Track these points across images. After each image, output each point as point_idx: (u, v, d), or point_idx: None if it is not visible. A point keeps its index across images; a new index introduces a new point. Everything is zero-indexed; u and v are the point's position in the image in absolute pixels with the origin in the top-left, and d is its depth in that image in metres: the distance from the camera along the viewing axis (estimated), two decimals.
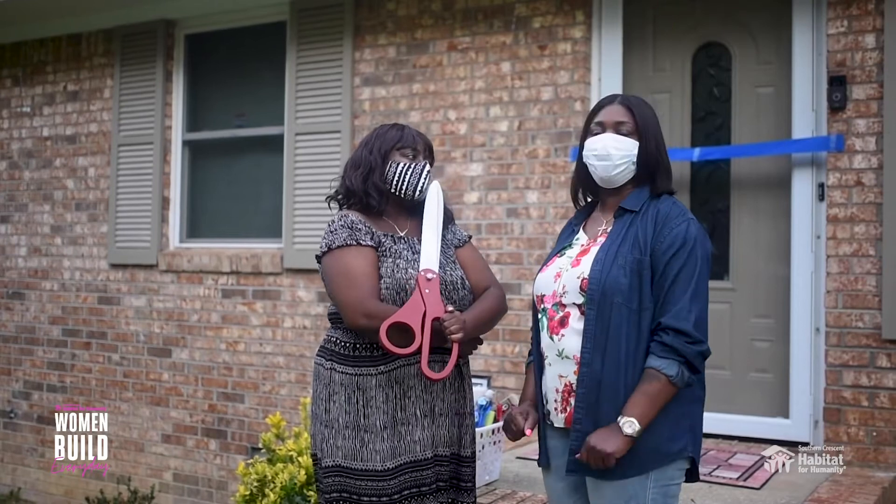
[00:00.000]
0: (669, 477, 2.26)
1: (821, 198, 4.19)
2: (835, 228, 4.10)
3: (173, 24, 6.10)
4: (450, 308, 2.42)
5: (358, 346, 2.46)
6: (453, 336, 2.37)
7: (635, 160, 2.35)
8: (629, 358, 2.21)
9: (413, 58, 5.18)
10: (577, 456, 2.22)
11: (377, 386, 2.43)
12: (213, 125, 6.10)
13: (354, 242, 2.44)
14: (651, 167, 2.36)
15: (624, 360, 2.21)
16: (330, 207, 2.69)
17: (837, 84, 4.10)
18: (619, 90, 4.66)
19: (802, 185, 4.25)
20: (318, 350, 2.57)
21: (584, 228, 2.46)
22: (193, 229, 6.14)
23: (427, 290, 2.40)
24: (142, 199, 6.12)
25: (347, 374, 2.45)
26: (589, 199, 2.53)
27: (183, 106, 6.12)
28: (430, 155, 2.65)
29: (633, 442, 2.16)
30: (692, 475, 2.34)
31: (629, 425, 2.15)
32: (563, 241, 2.48)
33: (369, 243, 2.46)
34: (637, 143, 2.34)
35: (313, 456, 2.55)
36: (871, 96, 4.04)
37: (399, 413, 2.44)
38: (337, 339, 2.51)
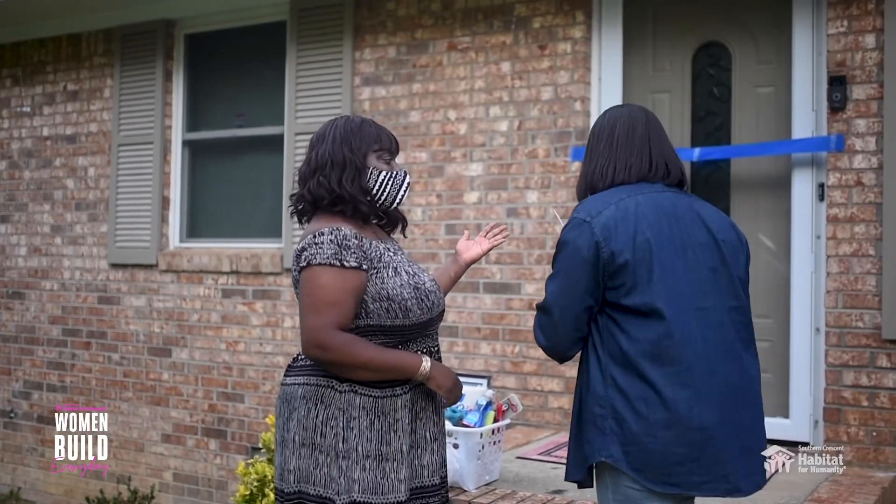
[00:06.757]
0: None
1: (821, 198, 4.19)
2: (835, 228, 4.10)
3: (173, 24, 6.10)
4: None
5: None
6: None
7: None
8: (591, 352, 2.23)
9: (413, 58, 5.18)
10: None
11: (402, 407, 2.23)
12: (213, 125, 6.09)
13: (338, 263, 2.18)
14: None
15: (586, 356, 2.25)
16: (301, 222, 2.41)
17: (837, 84, 4.10)
18: (619, 90, 4.67)
19: (802, 185, 4.25)
20: (316, 370, 2.27)
21: None
22: (193, 229, 6.14)
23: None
24: (142, 199, 6.12)
25: (372, 395, 2.22)
26: None
27: (183, 106, 6.12)
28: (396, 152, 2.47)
29: None
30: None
31: None
32: None
33: (352, 265, 2.20)
34: None
35: (298, 495, 2.23)
36: (871, 96, 4.04)
37: (413, 436, 2.27)
38: None
